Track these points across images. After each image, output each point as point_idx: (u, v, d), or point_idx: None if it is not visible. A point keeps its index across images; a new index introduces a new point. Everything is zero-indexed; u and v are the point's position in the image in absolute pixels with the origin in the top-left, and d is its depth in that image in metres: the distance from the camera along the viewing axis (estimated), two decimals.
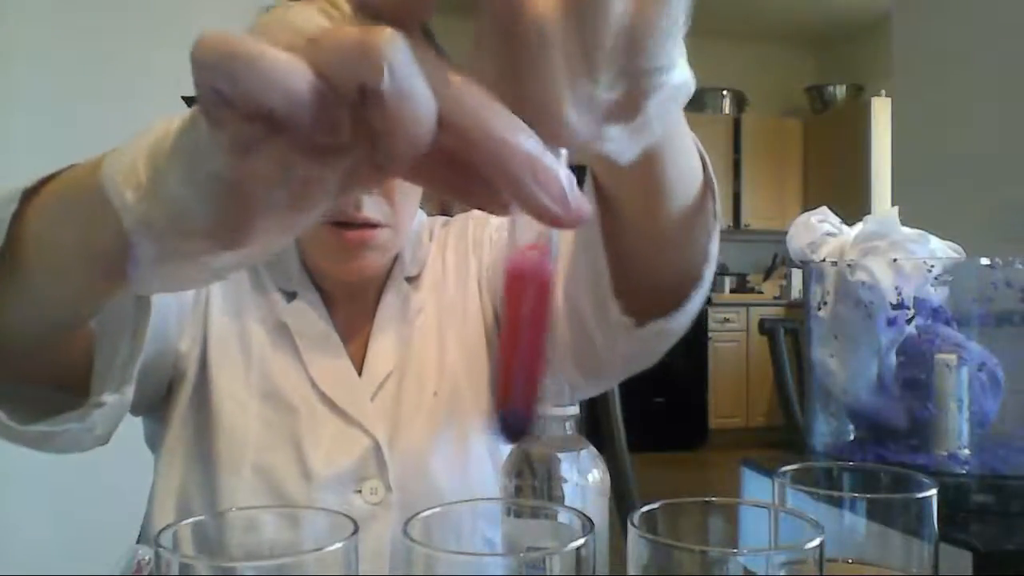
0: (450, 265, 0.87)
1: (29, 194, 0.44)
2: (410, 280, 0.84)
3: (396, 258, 0.84)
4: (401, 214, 0.76)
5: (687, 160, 0.50)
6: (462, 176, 0.29)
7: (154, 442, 0.78)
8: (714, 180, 0.53)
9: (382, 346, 0.80)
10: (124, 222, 0.33)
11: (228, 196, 0.30)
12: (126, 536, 0.91)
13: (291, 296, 0.79)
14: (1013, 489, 0.76)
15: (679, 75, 0.32)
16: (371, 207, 0.73)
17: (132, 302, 0.49)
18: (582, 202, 0.28)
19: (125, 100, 1.83)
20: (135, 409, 0.76)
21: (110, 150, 0.36)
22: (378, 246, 0.76)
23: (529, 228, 0.32)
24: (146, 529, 0.81)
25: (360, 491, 0.74)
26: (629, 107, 0.30)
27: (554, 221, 0.28)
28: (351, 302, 0.82)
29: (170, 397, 0.76)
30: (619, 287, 0.56)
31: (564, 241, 0.66)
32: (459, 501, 0.41)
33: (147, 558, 0.75)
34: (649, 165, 0.47)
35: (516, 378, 0.33)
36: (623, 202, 0.52)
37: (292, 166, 0.29)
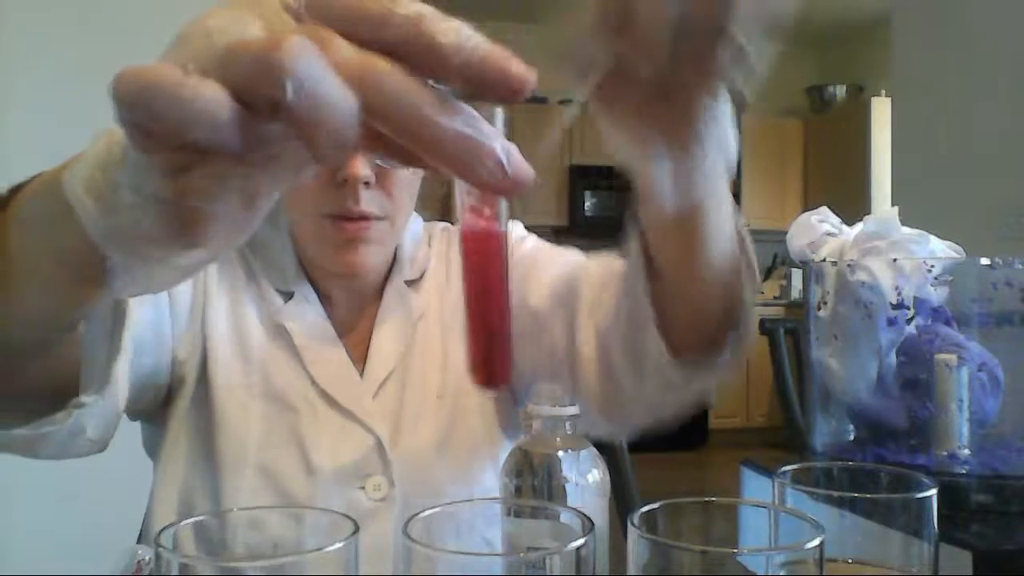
0: (455, 272, 0.87)
1: (1, 203, 0.43)
2: (410, 283, 0.84)
3: (394, 260, 0.84)
4: (398, 207, 0.76)
5: (724, 224, 0.54)
6: (403, 147, 0.30)
7: (153, 446, 0.78)
8: (747, 240, 0.58)
9: (383, 346, 0.80)
10: (89, 231, 0.33)
11: (175, 209, 0.31)
12: (126, 536, 0.91)
13: (288, 296, 0.79)
14: (1013, 489, 0.76)
15: (727, 112, 0.39)
16: (369, 200, 0.73)
17: (108, 306, 0.49)
18: (520, 168, 0.29)
19: None
20: (134, 415, 0.76)
21: (73, 156, 0.36)
22: (375, 239, 0.76)
23: (473, 191, 0.34)
24: (147, 531, 0.81)
25: (364, 488, 0.74)
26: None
27: (495, 189, 0.29)
28: (348, 301, 0.82)
29: (170, 402, 0.76)
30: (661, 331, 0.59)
31: (602, 291, 0.70)
32: (459, 501, 0.41)
33: (147, 558, 0.75)
34: (691, 225, 0.52)
35: (481, 334, 0.36)
36: (665, 259, 0.57)
37: (229, 178, 0.30)
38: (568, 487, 0.54)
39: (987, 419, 0.82)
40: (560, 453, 0.55)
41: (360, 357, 0.80)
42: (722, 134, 0.45)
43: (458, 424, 0.79)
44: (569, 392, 0.58)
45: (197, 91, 0.27)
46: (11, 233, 0.42)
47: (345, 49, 0.28)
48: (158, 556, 0.33)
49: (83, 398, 0.52)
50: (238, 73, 0.27)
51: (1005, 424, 0.83)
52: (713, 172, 0.48)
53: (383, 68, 0.28)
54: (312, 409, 0.75)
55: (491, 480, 0.77)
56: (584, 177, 5.42)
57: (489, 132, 0.29)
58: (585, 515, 0.38)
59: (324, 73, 0.26)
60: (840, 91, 5.67)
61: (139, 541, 0.90)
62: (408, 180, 0.77)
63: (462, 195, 0.35)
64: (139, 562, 0.75)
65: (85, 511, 1.68)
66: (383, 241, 0.77)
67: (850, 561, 0.46)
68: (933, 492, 0.44)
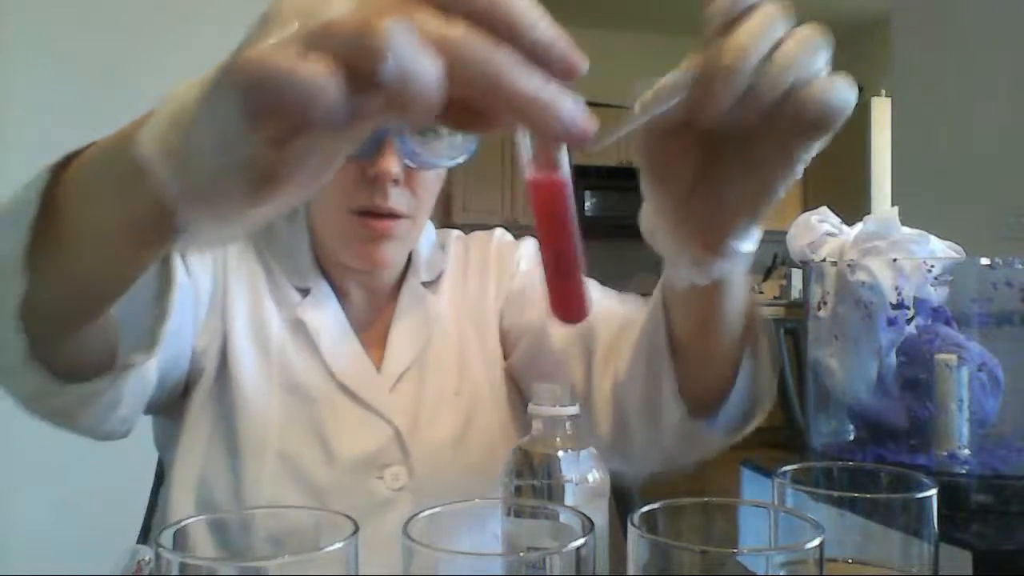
0: (472, 278, 0.88)
1: (57, 170, 0.45)
2: (426, 285, 0.86)
3: (410, 261, 0.85)
4: (420, 207, 0.78)
5: (739, 304, 0.57)
6: (474, 112, 0.33)
7: (167, 439, 0.79)
8: (761, 323, 0.60)
9: (400, 342, 0.81)
10: (163, 191, 0.35)
11: (262, 172, 0.33)
12: (126, 536, 0.91)
13: (304, 292, 0.81)
14: (1013, 489, 0.76)
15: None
16: (396, 198, 0.74)
17: (155, 271, 0.52)
18: (588, 121, 0.33)
19: (124, 99, 1.83)
20: (152, 408, 0.76)
21: (136, 121, 0.38)
22: (399, 236, 0.77)
23: (538, 145, 0.38)
24: (161, 522, 0.81)
25: (382, 477, 0.75)
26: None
27: (571, 140, 0.33)
28: (364, 298, 0.83)
29: (187, 393, 0.77)
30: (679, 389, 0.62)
31: (620, 333, 0.72)
32: (459, 501, 0.41)
33: (147, 558, 0.76)
34: (712, 299, 0.56)
35: (560, 272, 0.40)
36: (684, 328, 0.59)
37: (322, 148, 0.33)
38: (568, 487, 0.54)
39: (987, 419, 0.82)
40: (560, 453, 0.55)
41: (377, 354, 0.81)
42: None
43: (475, 421, 0.80)
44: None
45: (313, 74, 0.28)
46: (71, 197, 0.44)
47: (432, 20, 0.30)
48: (158, 556, 0.33)
49: (133, 358, 0.55)
50: (339, 51, 0.29)
51: (1005, 424, 0.83)
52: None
53: (469, 37, 0.30)
54: (331, 400, 0.77)
55: None
56: (584, 177, 5.41)
57: (561, 89, 0.32)
58: (585, 515, 0.38)
59: (418, 48, 0.29)
60: None
61: (140, 540, 0.90)
62: (432, 182, 0.78)
63: (528, 150, 0.38)
64: (139, 562, 0.75)
65: (85, 511, 1.68)
66: (405, 239, 0.79)
67: (850, 561, 0.46)
68: (933, 492, 0.44)
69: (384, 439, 0.76)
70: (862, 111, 5.28)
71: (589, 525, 0.37)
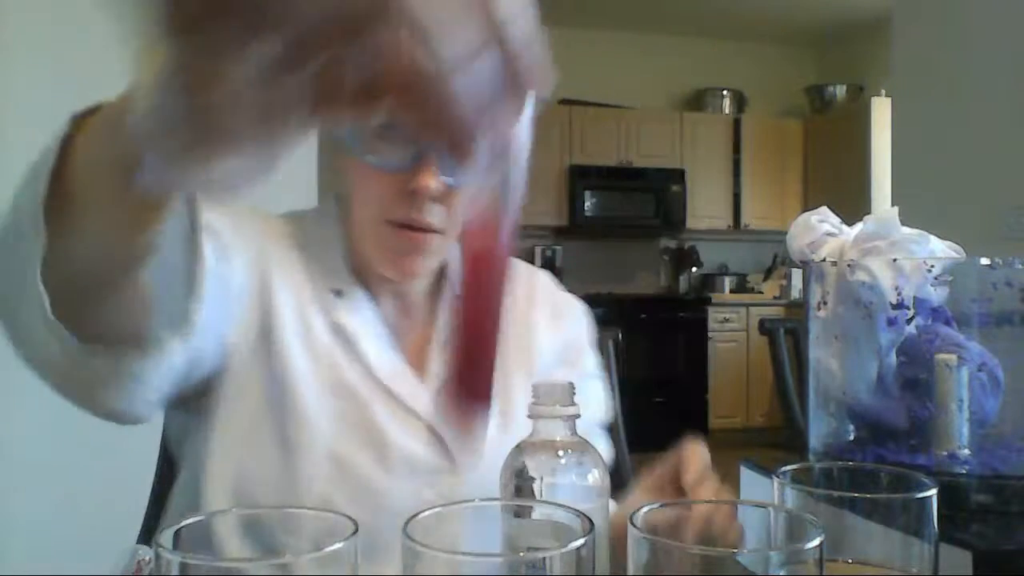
0: (516, 308, 0.90)
1: (78, 122, 0.47)
2: None
3: (444, 274, 0.87)
4: (454, 222, 0.79)
5: None
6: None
7: (188, 432, 0.78)
8: None
9: (438, 358, 0.83)
10: (131, 128, 0.35)
11: (197, 117, 0.32)
12: (126, 536, 0.91)
13: (337, 293, 0.82)
14: (1013, 489, 0.76)
15: None
16: (434, 213, 0.76)
17: (180, 246, 0.53)
18: None
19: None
20: (171, 400, 0.75)
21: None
22: (432, 250, 0.80)
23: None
24: (178, 513, 0.81)
25: (433, 486, 0.76)
26: None
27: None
28: (395, 306, 0.85)
29: (215, 387, 0.76)
30: None
31: None
32: (460, 501, 0.41)
33: (147, 558, 0.76)
34: None
35: (471, 353, 0.36)
36: None
37: (257, 96, 0.30)
38: (568, 487, 0.54)
39: (987, 419, 0.82)
40: (560, 453, 0.55)
41: (416, 362, 0.82)
42: None
43: (518, 437, 0.80)
44: None
45: None
46: (78, 151, 0.46)
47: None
48: (158, 556, 0.33)
49: (162, 333, 0.56)
50: None
51: (1005, 424, 0.83)
52: None
53: None
54: (381, 404, 0.78)
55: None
56: (584, 177, 5.41)
57: None
58: (585, 515, 0.38)
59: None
60: (840, 91, 5.67)
61: (140, 540, 0.90)
62: (466, 200, 0.79)
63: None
64: (139, 562, 0.75)
65: (85, 511, 1.68)
66: (438, 253, 0.81)
67: (850, 561, 0.46)
68: (933, 492, 0.44)
69: (433, 448, 0.77)
70: (862, 111, 5.28)
71: (589, 525, 0.37)
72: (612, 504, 0.63)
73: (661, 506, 0.41)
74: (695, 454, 0.64)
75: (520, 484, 0.55)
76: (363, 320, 0.81)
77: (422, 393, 0.80)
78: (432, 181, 0.73)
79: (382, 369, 0.79)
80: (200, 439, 0.76)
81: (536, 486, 0.55)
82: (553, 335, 0.90)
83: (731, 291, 5.74)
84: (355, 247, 0.83)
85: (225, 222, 0.74)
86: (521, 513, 0.48)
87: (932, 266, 0.82)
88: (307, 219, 0.87)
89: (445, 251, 0.83)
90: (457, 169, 0.74)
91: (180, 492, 0.79)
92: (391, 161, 0.74)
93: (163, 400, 0.67)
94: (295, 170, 1.95)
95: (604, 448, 0.87)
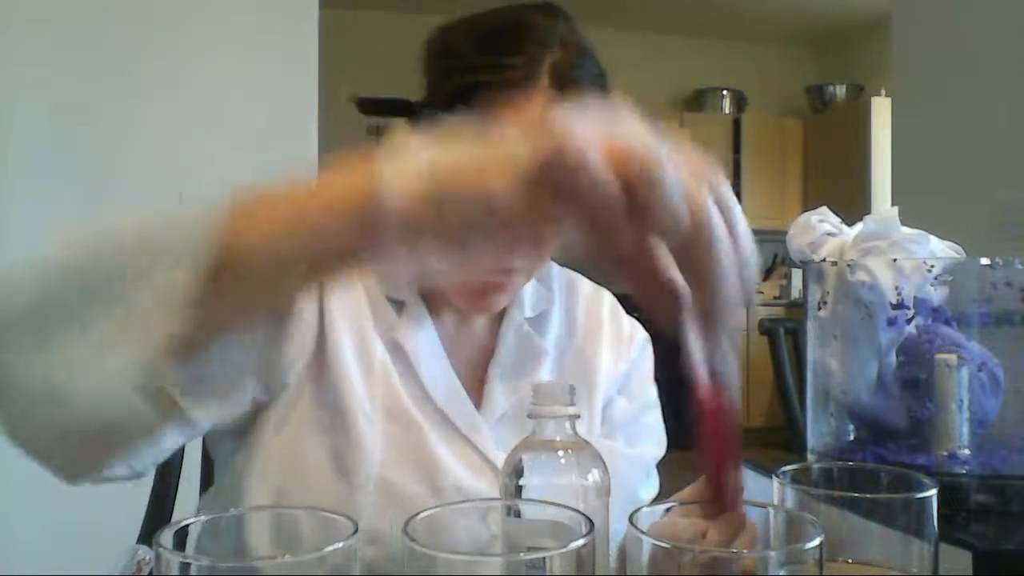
0: (580, 330, 0.87)
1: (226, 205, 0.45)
2: (529, 321, 0.83)
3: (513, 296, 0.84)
4: (538, 264, 0.79)
5: None
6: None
7: (226, 448, 0.75)
8: None
9: (502, 383, 0.79)
10: (387, 223, 0.39)
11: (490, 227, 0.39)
12: (126, 536, 0.91)
13: (397, 305, 0.78)
14: (1013, 489, 0.76)
15: None
16: (517, 258, 0.75)
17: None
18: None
19: (122, 104, 1.83)
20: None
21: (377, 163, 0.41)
22: (513, 289, 0.78)
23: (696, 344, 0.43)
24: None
25: (485, 521, 0.74)
26: None
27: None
28: (458, 322, 0.82)
29: (269, 406, 0.72)
30: None
31: None
32: (460, 501, 0.41)
33: (147, 558, 0.75)
34: None
35: (719, 478, 0.45)
36: None
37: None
38: (568, 487, 0.54)
39: (987, 419, 0.82)
40: (560, 453, 0.55)
41: (472, 384, 0.79)
42: None
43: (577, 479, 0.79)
44: None
45: (606, 171, 0.37)
46: (252, 227, 0.44)
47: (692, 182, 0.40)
48: (158, 556, 0.33)
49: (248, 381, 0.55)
50: (629, 168, 0.38)
51: (1005, 424, 0.83)
52: None
53: (715, 213, 0.40)
54: (435, 432, 0.74)
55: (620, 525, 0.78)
56: None
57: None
58: (585, 515, 0.38)
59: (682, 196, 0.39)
60: (840, 91, 5.67)
61: (140, 540, 0.90)
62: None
63: (699, 365, 0.44)
64: (139, 562, 0.75)
65: (85, 511, 1.68)
66: (516, 289, 0.79)
67: (850, 561, 0.46)
68: (933, 492, 0.44)
69: (487, 480, 0.73)
70: (862, 111, 5.27)
71: (589, 525, 0.37)
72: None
73: (662, 506, 0.41)
74: None
75: (520, 484, 0.55)
76: (423, 339, 0.77)
77: (479, 422, 0.76)
78: None
79: (439, 396, 0.76)
80: (242, 457, 0.72)
81: (536, 486, 0.55)
82: (616, 365, 0.86)
83: None
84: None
85: None
86: (521, 513, 0.48)
87: (932, 266, 0.82)
88: None
89: (523, 285, 0.81)
90: None
91: (213, 501, 0.77)
92: None
93: (156, 463, 0.61)
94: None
95: (654, 485, 0.84)
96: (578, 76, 0.73)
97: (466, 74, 0.72)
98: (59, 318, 0.44)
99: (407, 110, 0.80)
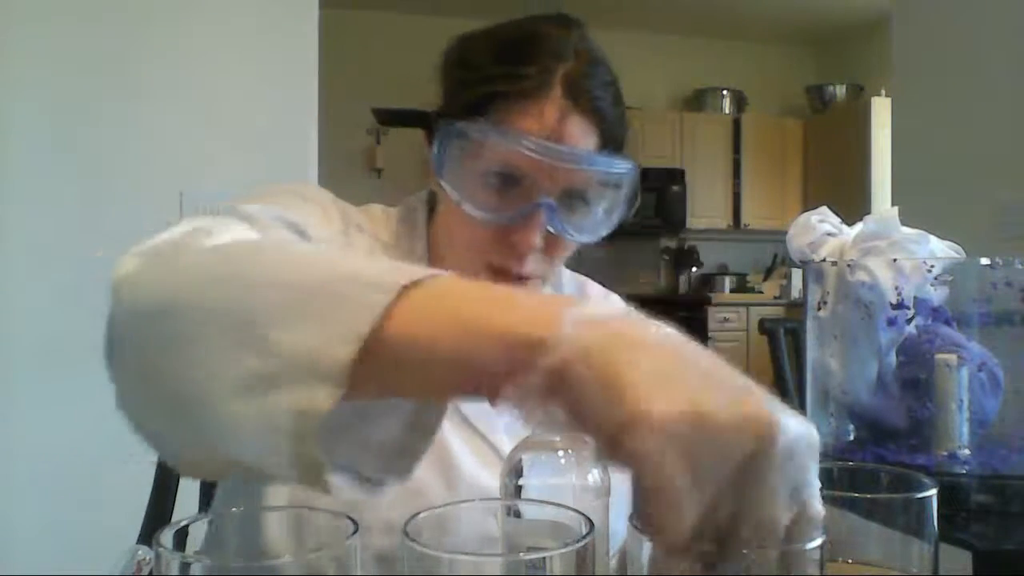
0: None
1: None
2: None
3: None
4: (553, 268, 0.80)
5: None
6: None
7: None
8: None
9: None
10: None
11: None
12: (126, 536, 0.91)
13: None
14: (1013, 489, 0.76)
15: None
16: (533, 263, 0.76)
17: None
18: None
19: (122, 104, 1.83)
20: None
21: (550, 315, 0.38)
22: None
23: None
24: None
25: (487, 519, 0.74)
26: None
27: None
28: None
29: None
30: None
31: None
32: (460, 501, 0.41)
33: (147, 558, 0.75)
34: None
35: None
36: None
37: None
38: (568, 487, 0.54)
39: (987, 419, 0.82)
40: (560, 453, 0.55)
41: None
42: None
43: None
44: None
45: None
46: (414, 328, 0.39)
47: None
48: (158, 556, 0.33)
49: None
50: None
51: (1005, 424, 0.83)
52: None
53: None
54: (451, 427, 0.75)
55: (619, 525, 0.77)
56: None
57: None
58: (585, 515, 0.38)
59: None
60: (840, 91, 5.67)
61: (140, 540, 0.90)
62: (568, 246, 0.80)
63: None
64: (139, 562, 0.75)
65: (85, 511, 1.68)
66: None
67: (850, 561, 0.46)
68: (933, 492, 0.44)
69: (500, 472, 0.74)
70: (862, 111, 5.27)
71: (589, 525, 0.37)
72: None
73: None
74: None
75: (520, 484, 0.55)
76: None
77: (494, 419, 0.77)
78: (536, 238, 0.73)
79: None
80: None
81: (536, 486, 0.55)
82: None
83: (731, 291, 5.74)
84: (439, 266, 0.79)
85: (320, 239, 0.71)
86: (521, 513, 0.48)
87: (932, 266, 0.82)
88: (393, 218, 0.85)
89: (539, 290, 0.82)
90: (567, 226, 0.75)
91: (226, 496, 0.78)
92: (499, 215, 0.74)
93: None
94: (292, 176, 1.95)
95: None
96: (590, 86, 0.75)
97: (482, 84, 0.74)
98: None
99: (422, 120, 0.81)
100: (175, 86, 1.87)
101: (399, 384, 0.41)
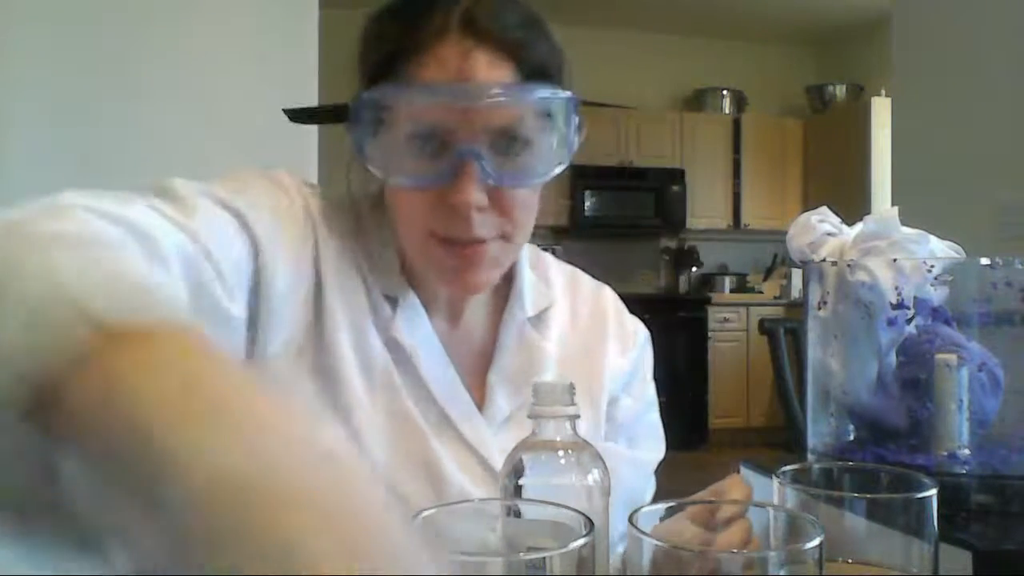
0: (583, 328, 0.85)
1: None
2: (531, 321, 0.81)
3: (511, 285, 0.81)
4: (516, 225, 0.73)
5: None
6: None
7: None
8: None
9: (504, 386, 0.77)
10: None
11: None
12: None
13: (392, 302, 0.75)
14: (1013, 489, 0.76)
15: None
16: (482, 224, 0.70)
17: None
18: None
19: (122, 104, 1.83)
20: None
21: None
22: (490, 260, 0.72)
23: None
24: None
25: (494, 529, 0.73)
26: None
27: None
28: (450, 320, 0.79)
29: None
30: None
31: None
32: (460, 501, 0.41)
33: None
34: None
35: None
36: None
37: None
38: (568, 487, 0.54)
39: (987, 419, 0.82)
40: (560, 453, 0.55)
41: (475, 385, 0.77)
42: None
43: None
44: None
45: None
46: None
47: None
48: None
49: None
50: None
51: (1005, 424, 0.83)
52: None
53: None
54: (437, 434, 0.72)
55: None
56: (584, 177, 5.41)
57: None
58: (585, 515, 0.38)
59: None
60: (840, 91, 5.67)
61: None
62: (526, 197, 0.73)
63: None
64: None
65: None
66: (499, 261, 0.74)
67: (850, 561, 0.46)
68: (933, 492, 0.44)
69: (488, 487, 0.71)
70: (862, 111, 5.28)
71: (589, 525, 0.37)
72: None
73: (662, 506, 0.41)
74: (733, 491, 0.58)
75: (520, 484, 0.55)
76: (420, 336, 0.75)
77: (482, 426, 0.75)
78: (472, 194, 0.67)
79: (441, 394, 0.74)
80: None
81: (536, 486, 0.55)
82: (621, 364, 0.85)
83: (731, 291, 5.74)
84: (408, 258, 0.76)
85: (269, 226, 0.69)
86: (521, 513, 0.48)
87: (932, 266, 0.82)
88: (363, 205, 0.79)
89: (512, 256, 0.76)
90: (505, 173, 0.68)
91: None
92: (425, 178, 0.69)
93: None
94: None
95: (653, 485, 0.83)
96: (493, 16, 0.68)
97: (380, 47, 0.70)
98: None
99: (337, 116, 0.75)
100: (175, 86, 1.87)
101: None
